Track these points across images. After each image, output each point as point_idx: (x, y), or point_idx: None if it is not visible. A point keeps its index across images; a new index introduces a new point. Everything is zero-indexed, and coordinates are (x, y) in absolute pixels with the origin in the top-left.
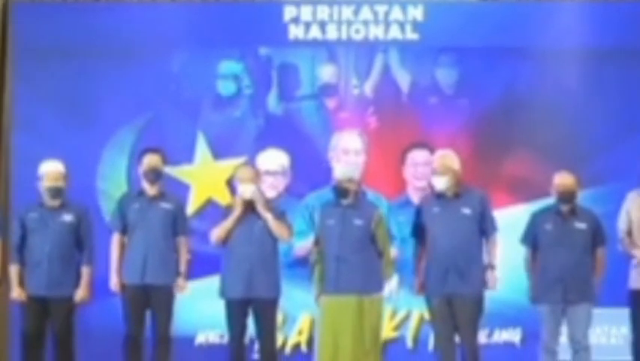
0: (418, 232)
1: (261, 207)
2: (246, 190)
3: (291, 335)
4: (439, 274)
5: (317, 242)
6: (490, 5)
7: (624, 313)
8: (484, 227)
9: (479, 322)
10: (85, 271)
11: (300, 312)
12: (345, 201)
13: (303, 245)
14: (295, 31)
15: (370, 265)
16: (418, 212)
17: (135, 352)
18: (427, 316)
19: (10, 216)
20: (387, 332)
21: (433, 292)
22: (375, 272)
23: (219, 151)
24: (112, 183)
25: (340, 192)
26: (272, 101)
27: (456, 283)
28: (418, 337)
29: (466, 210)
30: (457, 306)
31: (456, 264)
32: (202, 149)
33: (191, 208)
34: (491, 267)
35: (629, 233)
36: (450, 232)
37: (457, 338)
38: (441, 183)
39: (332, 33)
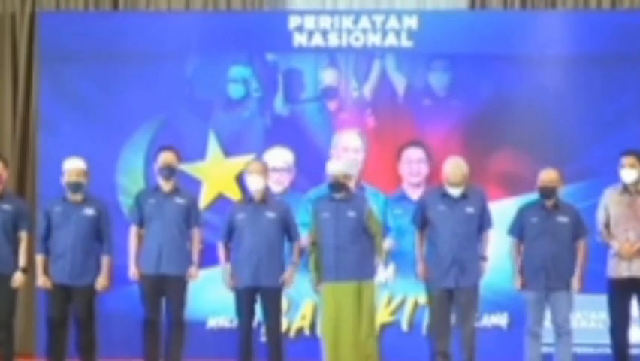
0: (421, 222)
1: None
2: (254, 182)
3: (295, 319)
4: (443, 268)
5: (312, 234)
6: (480, 15)
7: (603, 299)
8: (481, 223)
9: (477, 308)
10: (105, 260)
11: (303, 299)
12: (338, 195)
13: (306, 237)
14: (299, 39)
15: (365, 253)
16: (423, 205)
17: (152, 334)
18: (421, 301)
19: (36, 210)
20: (384, 316)
21: (436, 285)
22: (369, 260)
23: (229, 149)
24: (130, 179)
25: (336, 186)
26: (278, 103)
27: (458, 277)
28: (413, 321)
29: (471, 210)
30: (457, 296)
31: (459, 260)
32: (213, 147)
33: (203, 202)
34: (483, 258)
35: (607, 225)
36: (455, 230)
37: (453, 323)
38: (457, 192)
39: (333, 40)
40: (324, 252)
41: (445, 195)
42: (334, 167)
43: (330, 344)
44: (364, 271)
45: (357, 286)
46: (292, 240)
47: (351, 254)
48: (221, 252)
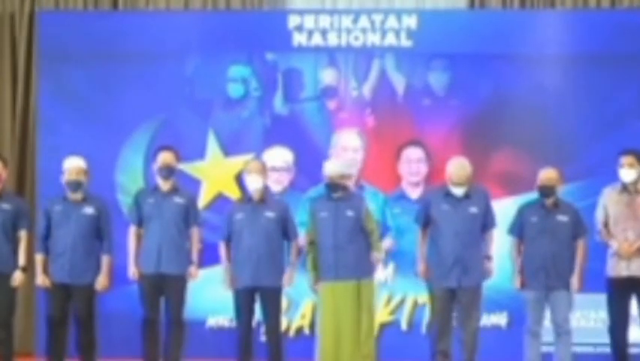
0: (424, 221)
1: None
2: (253, 181)
3: (294, 319)
4: (445, 268)
5: (309, 234)
6: (479, 15)
7: (602, 298)
8: (485, 222)
9: (479, 308)
10: (105, 260)
11: (303, 298)
12: (336, 195)
13: (303, 236)
14: (299, 38)
15: (362, 251)
16: (426, 204)
17: (152, 334)
18: (420, 301)
19: (35, 209)
20: (383, 316)
21: (438, 284)
22: (366, 258)
23: (229, 148)
24: (129, 178)
25: (332, 187)
26: (277, 102)
27: (460, 277)
28: (412, 320)
29: (474, 209)
30: (460, 295)
31: (462, 260)
32: (213, 146)
33: (202, 202)
34: (488, 258)
35: (606, 225)
36: (458, 230)
37: (454, 323)
38: (460, 192)
39: (333, 40)
40: (322, 251)
41: (449, 195)
42: (330, 168)
43: (330, 343)
44: (363, 269)
45: (357, 285)
46: (290, 239)
47: (350, 253)
48: (222, 251)
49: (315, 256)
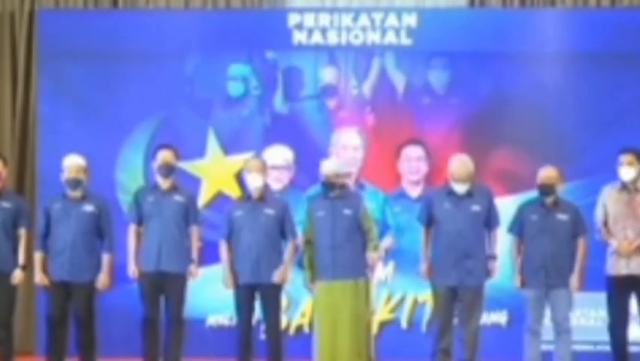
0: (427, 220)
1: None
2: (253, 180)
3: (294, 317)
4: (448, 267)
5: (305, 233)
6: (479, 13)
7: (602, 297)
8: (489, 221)
9: (481, 307)
10: (105, 258)
11: (302, 296)
12: (332, 194)
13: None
14: (299, 37)
15: (359, 250)
16: (428, 202)
17: (152, 332)
18: (420, 299)
19: (35, 207)
20: (383, 314)
21: (441, 283)
22: (363, 257)
23: (229, 147)
24: (129, 177)
25: (329, 186)
26: (277, 101)
27: (463, 276)
28: (412, 319)
29: (476, 208)
30: (462, 294)
31: (465, 258)
32: (213, 145)
33: (202, 200)
34: (493, 257)
35: (605, 223)
36: (460, 228)
37: (456, 321)
38: (462, 189)
39: (333, 38)
40: (319, 250)
41: (451, 193)
42: (326, 167)
43: (327, 342)
44: (360, 268)
45: (354, 284)
46: (287, 239)
47: (347, 252)
48: (222, 250)
49: (311, 255)
